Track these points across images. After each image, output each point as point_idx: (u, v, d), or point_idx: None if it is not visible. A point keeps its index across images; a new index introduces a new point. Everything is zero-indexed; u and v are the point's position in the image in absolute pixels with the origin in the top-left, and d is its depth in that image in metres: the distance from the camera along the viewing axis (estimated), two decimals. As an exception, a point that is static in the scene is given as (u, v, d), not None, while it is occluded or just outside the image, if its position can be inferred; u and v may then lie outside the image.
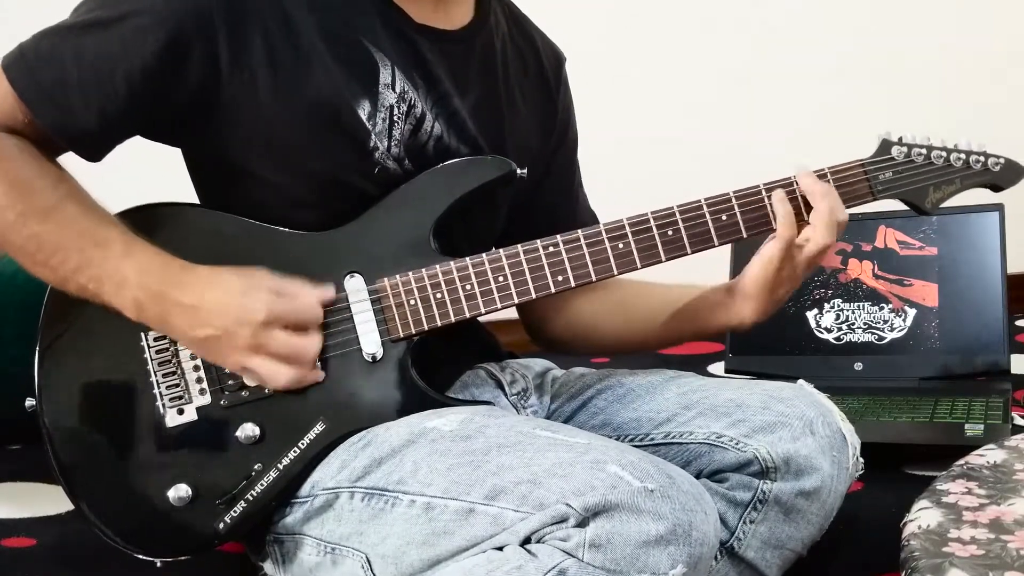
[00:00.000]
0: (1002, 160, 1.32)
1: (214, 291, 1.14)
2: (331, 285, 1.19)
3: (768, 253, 1.24)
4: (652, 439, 1.27)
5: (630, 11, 2.69)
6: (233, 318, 1.13)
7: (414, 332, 1.20)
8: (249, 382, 1.18)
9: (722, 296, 1.31)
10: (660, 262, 1.24)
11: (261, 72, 1.17)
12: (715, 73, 2.71)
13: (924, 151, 1.30)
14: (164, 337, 1.19)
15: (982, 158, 1.31)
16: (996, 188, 1.34)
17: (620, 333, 1.42)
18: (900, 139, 1.31)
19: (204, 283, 1.15)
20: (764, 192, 1.25)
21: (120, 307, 1.15)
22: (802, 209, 1.25)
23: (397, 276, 1.21)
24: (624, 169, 2.52)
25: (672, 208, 1.24)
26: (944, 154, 1.31)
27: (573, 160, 1.48)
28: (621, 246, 1.23)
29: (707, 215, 1.24)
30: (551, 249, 1.22)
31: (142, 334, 1.20)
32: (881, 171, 1.29)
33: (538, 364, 1.42)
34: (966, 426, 1.69)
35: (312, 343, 1.16)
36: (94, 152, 1.21)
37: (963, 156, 1.31)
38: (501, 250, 1.22)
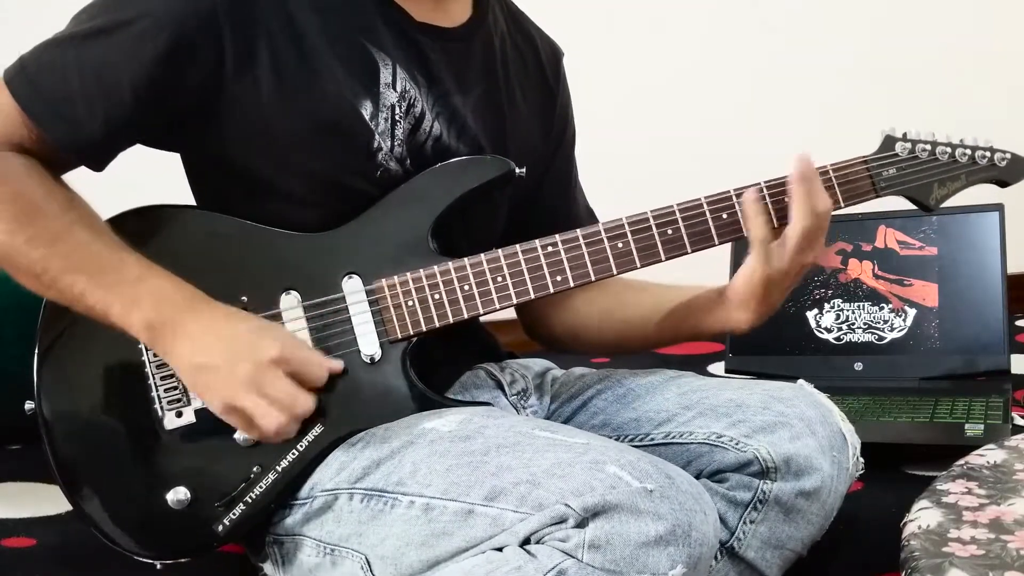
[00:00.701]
0: (1008, 155, 1.31)
1: (229, 323, 1.13)
2: (340, 360, 1.18)
3: (747, 266, 1.22)
4: (652, 439, 1.27)
5: (631, 10, 2.69)
6: (241, 351, 1.11)
7: (412, 333, 1.20)
8: (231, 422, 1.14)
9: (716, 299, 1.29)
10: (660, 261, 1.24)
11: (265, 74, 1.17)
12: (716, 73, 2.71)
13: (928, 147, 1.29)
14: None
15: (988, 153, 1.30)
16: (1003, 184, 1.32)
17: (618, 331, 1.41)
18: (904, 135, 1.29)
19: (220, 314, 1.13)
20: (765, 191, 1.24)
21: (128, 328, 1.13)
22: (772, 212, 1.22)
23: (395, 277, 1.20)
24: (624, 169, 2.52)
25: (672, 207, 1.23)
26: (949, 150, 1.29)
27: (571, 158, 1.48)
28: (620, 245, 1.22)
29: (707, 213, 1.23)
30: (549, 249, 1.22)
31: (140, 336, 1.20)
32: (884, 168, 1.28)
33: (538, 364, 1.42)
34: (966, 426, 1.69)
35: (308, 399, 1.13)
36: (99, 161, 1.20)
37: (968, 151, 1.29)
38: (499, 250, 1.21)
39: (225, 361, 1.10)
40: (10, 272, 1.16)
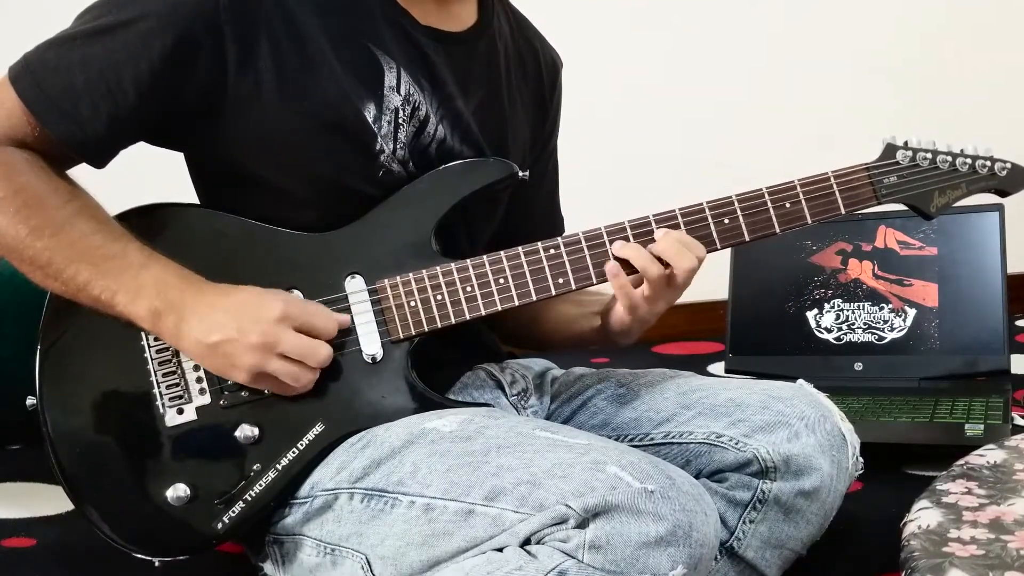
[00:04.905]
0: (1009, 165, 1.31)
1: (231, 296, 1.14)
2: (346, 315, 1.19)
3: (616, 313, 1.26)
4: (652, 439, 1.27)
5: (630, 14, 2.69)
6: (247, 317, 1.12)
7: (414, 333, 1.20)
8: (263, 388, 1.17)
9: (601, 328, 1.32)
10: (661, 265, 1.24)
11: (267, 75, 1.17)
12: (715, 76, 2.71)
13: (929, 155, 1.29)
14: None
15: (988, 162, 1.30)
16: (1002, 193, 1.33)
17: (566, 327, 1.43)
18: (905, 143, 1.30)
19: (223, 291, 1.15)
20: (767, 196, 1.25)
21: (134, 317, 1.15)
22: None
23: (398, 277, 1.21)
24: (626, 172, 2.51)
25: (674, 211, 1.23)
26: (949, 158, 1.30)
27: (553, 165, 1.49)
28: (623, 248, 1.23)
29: (709, 218, 1.24)
30: (551, 251, 1.22)
31: (143, 334, 1.20)
32: (886, 175, 1.28)
33: (538, 364, 1.42)
34: (966, 426, 1.69)
35: (324, 347, 1.16)
36: (101, 159, 1.21)
37: (969, 161, 1.30)
38: (502, 252, 1.22)
39: (236, 332, 1.12)
40: (15, 264, 1.17)
